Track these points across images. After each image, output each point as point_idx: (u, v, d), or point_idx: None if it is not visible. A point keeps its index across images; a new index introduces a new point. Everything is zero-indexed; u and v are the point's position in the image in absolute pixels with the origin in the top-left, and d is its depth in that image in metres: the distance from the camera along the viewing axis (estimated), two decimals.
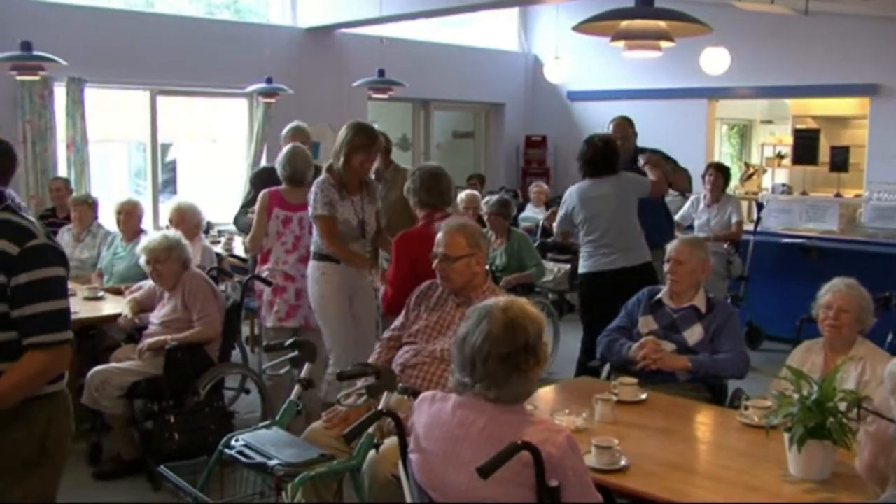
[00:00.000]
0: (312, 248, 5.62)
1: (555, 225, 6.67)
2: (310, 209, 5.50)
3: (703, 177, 8.69)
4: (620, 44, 3.73)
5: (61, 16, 9.03)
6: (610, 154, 6.24)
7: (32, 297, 2.68)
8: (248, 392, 6.44)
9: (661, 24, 3.56)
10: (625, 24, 3.59)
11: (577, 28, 3.78)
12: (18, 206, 4.69)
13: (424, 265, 4.42)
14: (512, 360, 2.62)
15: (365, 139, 5.45)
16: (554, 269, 9.08)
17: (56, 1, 9.29)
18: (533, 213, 11.30)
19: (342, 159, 5.43)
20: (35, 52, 6.00)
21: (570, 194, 6.39)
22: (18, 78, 7.17)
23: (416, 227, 5.02)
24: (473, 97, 13.69)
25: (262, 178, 6.75)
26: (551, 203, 11.94)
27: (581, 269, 6.43)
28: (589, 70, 12.89)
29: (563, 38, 12.00)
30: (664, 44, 3.69)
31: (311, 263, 5.57)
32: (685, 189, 7.45)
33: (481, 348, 2.63)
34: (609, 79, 12.83)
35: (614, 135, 6.71)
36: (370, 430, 3.40)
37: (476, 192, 9.14)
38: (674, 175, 6.70)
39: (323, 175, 5.54)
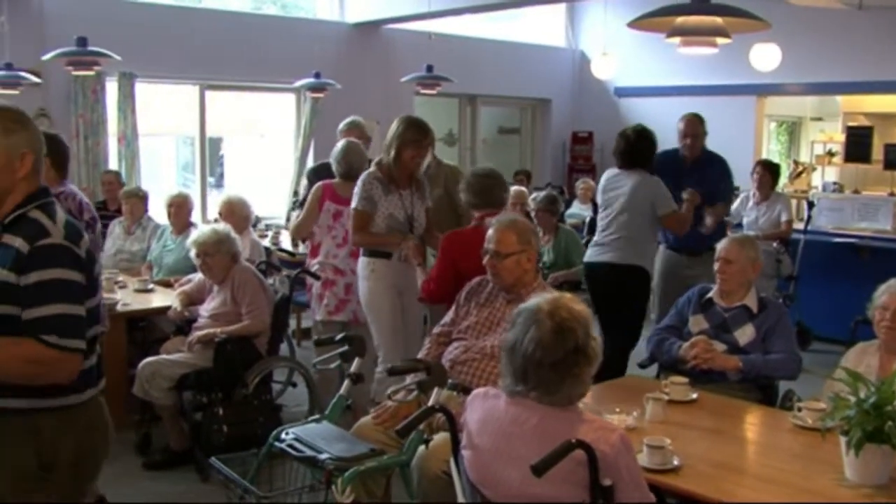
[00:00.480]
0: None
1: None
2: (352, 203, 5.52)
3: (751, 175, 8.59)
4: (675, 40, 3.68)
5: (113, 11, 9.13)
6: (637, 147, 6.12)
7: (38, 298, 2.54)
8: (294, 385, 6.48)
9: (718, 20, 3.52)
10: (680, 20, 3.55)
11: (632, 24, 3.75)
12: (77, 201, 4.73)
13: (468, 266, 4.45)
14: (563, 365, 2.60)
15: (416, 134, 5.41)
16: None
17: None
18: (579, 210, 11.24)
19: (393, 153, 5.39)
20: (90, 48, 6.06)
21: (602, 177, 6.42)
22: (74, 73, 7.27)
23: (468, 227, 5.01)
24: (520, 93, 13.65)
25: (318, 174, 6.74)
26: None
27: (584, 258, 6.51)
28: (636, 66, 12.81)
29: (610, 34, 11.94)
30: (720, 40, 3.65)
31: (361, 260, 5.56)
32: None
33: (532, 357, 2.61)
34: (657, 75, 12.74)
35: (684, 132, 6.54)
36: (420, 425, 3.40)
37: (523, 189, 9.11)
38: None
39: (371, 168, 5.54)
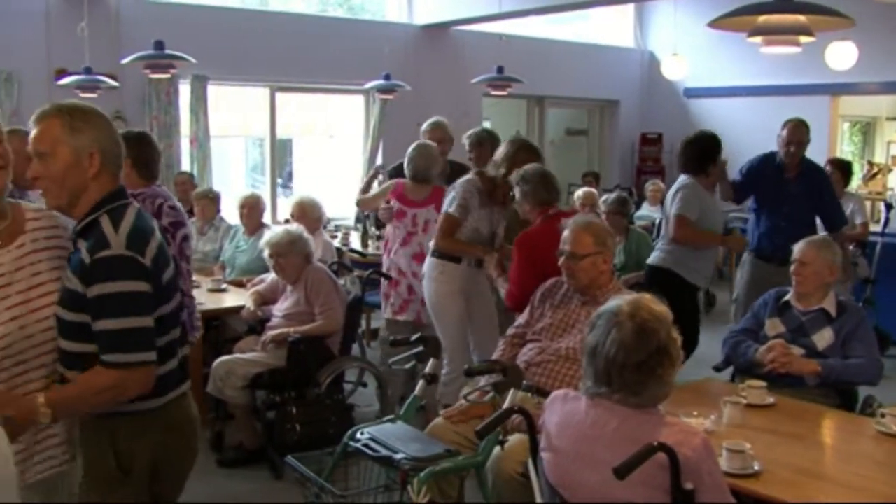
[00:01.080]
0: (432, 246, 5.64)
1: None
2: (444, 204, 5.54)
3: None
4: (756, 39, 3.62)
5: (186, 15, 9.28)
6: (691, 151, 6.13)
7: (101, 312, 2.51)
8: (364, 385, 6.52)
9: (802, 18, 3.46)
10: (763, 18, 3.49)
11: (712, 24, 3.70)
12: (155, 205, 4.67)
13: (547, 261, 4.41)
14: (647, 366, 2.58)
15: (528, 155, 5.36)
16: None
17: (182, 1, 9.56)
18: (648, 212, 11.14)
19: (502, 171, 5.38)
20: (167, 52, 6.17)
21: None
22: (151, 76, 7.40)
23: (536, 225, 4.98)
24: (588, 94, 13.58)
25: (398, 173, 6.79)
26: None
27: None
28: (706, 66, 12.65)
29: (680, 34, 11.82)
30: (803, 38, 3.58)
31: (431, 261, 5.58)
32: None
33: (615, 359, 2.58)
34: (727, 75, 12.57)
35: (788, 138, 6.35)
36: None
37: (593, 190, 9.05)
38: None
39: (472, 176, 5.56)
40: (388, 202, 6.16)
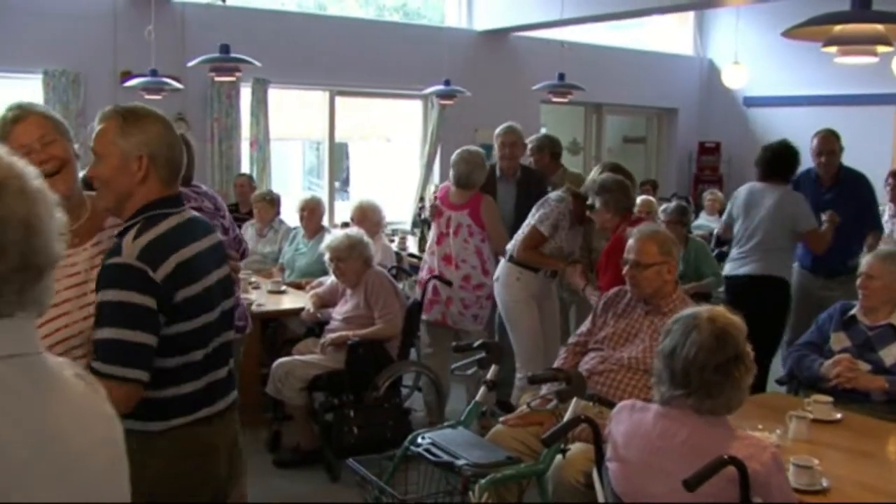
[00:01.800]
0: (509, 251, 5.73)
1: (724, 216, 6.64)
2: (533, 217, 5.68)
3: (885, 186, 8.27)
4: (831, 49, 3.57)
5: (248, 19, 9.38)
6: (781, 160, 6.09)
7: (99, 319, 2.39)
8: (420, 390, 6.53)
9: (879, 27, 3.40)
10: (839, 28, 3.44)
11: (786, 34, 3.64)
12: (209, 200, 4.63)
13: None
14: (725, 369, 2.58)
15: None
16: None
17: (244, 5, 9.67)
18: (707, 222, 11.03)
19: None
20: (232, 55, 6.24)
21: (740, 190, 6.38)
22: (217, 79, 7.50)
23: (622, 231, 5.05)
24: (646, 102, 13.48)
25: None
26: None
27: (724, 272, 6.47)
28: (767, 75, 12.49)
29: (741, 42, 11.69)
30: (881, 48, 3.52)
31: (507, 266, 5.71)
32: None
33: (695, 360, 2.58)
34: (788, 84, 12.40)
35: (818, 149, 6.32)
36: None
37: (651, 198, 8.99)
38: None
39: (565, 195, 5.68)
40: (433, 201, 6.28)
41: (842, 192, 6.30)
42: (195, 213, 2.69)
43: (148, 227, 2.47)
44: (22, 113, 2.69)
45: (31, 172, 1.39)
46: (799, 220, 5.98)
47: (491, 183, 6.33)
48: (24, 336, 1.38)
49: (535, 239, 5.61)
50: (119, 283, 2.37)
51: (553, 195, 5.72)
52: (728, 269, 6.35)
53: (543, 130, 12.58)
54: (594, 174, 5.61)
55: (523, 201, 6.17)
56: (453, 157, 6.18)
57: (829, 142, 6.33)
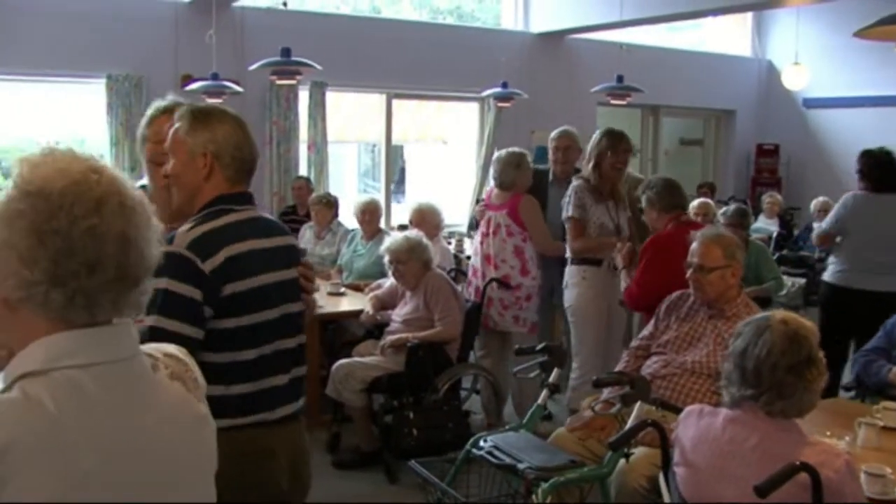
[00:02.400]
0: (570, 254, 5.73)
1: (822, 224, 6.44)
2: (563, 213, 5.68)
3: None
4: None
5: (306, 23, 9.46)
6: (890, 167, 6.01)
7: (148, 304, 2.36)
8: (478, 392, 6.53)
9: None
10: None
11: (859, 34, 3.59)
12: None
13: (674, 267, 4.39)
14: (798, 370, 2.56)
15: (611, 140, 5.59)
16: (788, 283, 8.72)
17: (302, 9, 9.75)
18: (765, 225, 10.91)
19: (592, 163, 5.58)
20: (293, 58, 6.30)
21: (847, 199, 6.16)
22: (278, 82, 7.58)
23: (667, 230, 4.99)
24: (703, 103, 13.35)
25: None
26: (785, 215, 11.51)
27: (826, 277, 6.25)
28: (827, 75, 12.30)
29: (802, 43, 11.53)
30: None
31: (570, 268, 5.73)
32: None
33: (767, 359, 2.56)
34: (850, 85, 12.20)
35: None
36: None
37: (709, 201, 8.88)
38: None
39: (574, 181, 5.69)
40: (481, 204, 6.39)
41: None
42: (265, 215, 2.70)
43: (206, 220, 2.50)
44: (171, 106, 2.80)
45: (129, 185, 1.43)
46: None
47: (543, 187, 6.32)
48: (116, 342, 1.41)
49: (574, 226, 5.58)
50: (166, 270, 2.30)
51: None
52: (843, 279, 6.10)
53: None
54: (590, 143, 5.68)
55: None
56: (493, 158, 6.27)
57: None
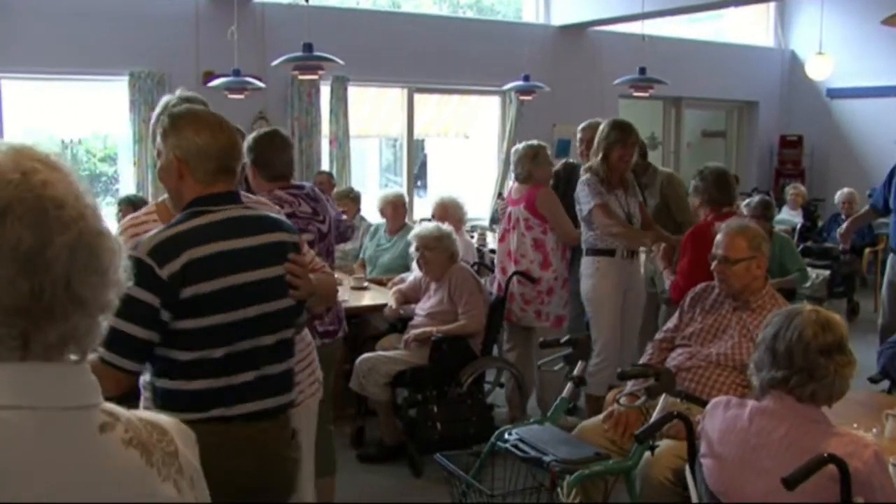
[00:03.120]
0: (584, 245, 5.70)
1: None
2: (582, 208, 5.65)
3: None
4: None
5: (327, 18, 9.45)
6: None
7: None
8: (502, 386, 6.52)
9: None
10: None
11: (886, 21, 3.56)
12: (309, 203, 4.57)
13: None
14: (830, 353, 2.55)
15: (620, 133, 5.59)
16: (812, 274, 8.67)
17: (323, 4, 9.76)
18: (789, 216, 10.85)
19: (600, 155, 5.58)
20: (315, 54, 6.31)
21: None
22: (300, 77, 7.58)
23: (708, 220, 5.02)
24: (726, 95, 13.29)
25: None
26: (809, 206, 11.44)
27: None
28: (852, 65, 12.19)
29: (826, 32, 11.44)
30: None
31: (584, 260, 5.71)
32: None
33: (800, 340, 2.57)
34: (875, 74, 12.09)
35: None
36: None
37: None
38: None
39: (585, 176, 5.68)
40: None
41: None
42: (246, 212, 2.66)
43: (177, 223, 2.53)
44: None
45: (79, 195, 1.21)
46: None
47: (571, 180, 6.30)
48: (39, 385, 1.18)
49: (602, 210, 5.53)
50: (132, 276, 2.34)
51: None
52: None
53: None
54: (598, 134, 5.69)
55: None
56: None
57: None
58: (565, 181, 6.28)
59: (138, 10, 8.62)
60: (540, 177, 6.05)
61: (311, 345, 3.50)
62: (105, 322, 1.27)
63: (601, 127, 5.69)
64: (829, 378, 2.57)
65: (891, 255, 6.34)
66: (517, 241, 6.02)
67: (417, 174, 11.91)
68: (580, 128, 6.45)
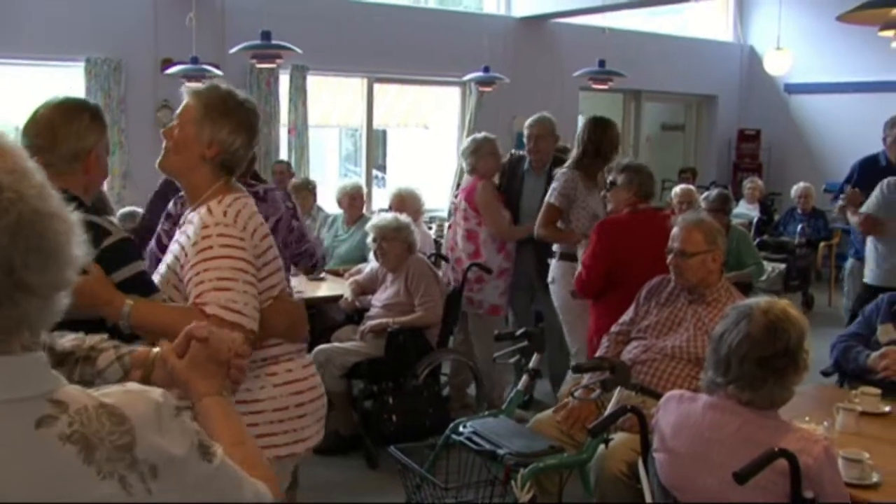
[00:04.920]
0: (557, 249, 5.73)
1: (861, 210, 5.98)
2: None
3: None
4: (889, 33, 3.49)
5: (287, 6, 9.33)
6: None
7: None
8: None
9: None
10: None
11: (841, 17, 3.57)
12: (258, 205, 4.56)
13: (625, 253, 4.56)
14: (770, 364, 2.54)
15: (597, 126, 5.63)
16: (768, 268, 8.74)
17: None
18: (746, 210, 10.93)
19: (580, 150, 5.58)
20: (273, 42, 6.25)
21: (884, 190, 5.87)
22: (258, 66, 7.52)
23: (622, 214, 4.99)
24: (685, 89, 13.36)
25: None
26: (766, 200, 11.55)
27: (866, 278, 5.98)
28: (810, 61, 12.31)
29: (784, 28, 11.53)
30: None
31: (554, 264, 5.73)
32: None
33: (738, 349, 2.55)
34: (831, 70, 12.23)
35: (883, 133, 6.27)
36: None
37: (691, 187, 8.89)
38: None
39: (568, 172, 5.66)
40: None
41: None
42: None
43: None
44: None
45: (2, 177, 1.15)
46: None
47: (518, 174, 6.31)
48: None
49: (550, 214, 5.56)
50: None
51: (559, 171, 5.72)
52: (884, 278, 5.76)
53: (581, 118, 12.53)
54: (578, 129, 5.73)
55: None
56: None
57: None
58: (510, 174, 6.30)
59: None
60: (482, 169, 6.14)
61: None
62: (65, 299, 1.21)
63: (581, 125, 5.71)
64: (765, 389, 2.57)
65: (850, 260, 6.38)
66: (456, 231, 6.20)
67: (378, 165, 11.88)
68: (527, 122, 6.38)
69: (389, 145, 12.90)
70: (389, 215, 5.76)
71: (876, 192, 5.87)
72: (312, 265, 4.57)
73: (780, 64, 11.36)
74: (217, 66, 7.78)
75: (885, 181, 5.87)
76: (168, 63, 8.12)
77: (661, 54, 12.50)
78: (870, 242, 5.93)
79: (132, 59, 8.54)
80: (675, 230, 4.00)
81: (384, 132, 12.33)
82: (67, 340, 1.89)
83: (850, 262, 6.66)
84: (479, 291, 6.07)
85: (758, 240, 9.49)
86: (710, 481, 2.57)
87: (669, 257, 3.98)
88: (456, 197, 6.45)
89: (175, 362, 1.71)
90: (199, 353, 1.71)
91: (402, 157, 12.71)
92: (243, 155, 2.65)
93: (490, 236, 6.08)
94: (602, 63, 8.56)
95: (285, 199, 4.14)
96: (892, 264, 5.77)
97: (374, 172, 11.23)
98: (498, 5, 11.38)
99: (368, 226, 5.79)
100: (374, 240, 5.62)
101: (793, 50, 11.46)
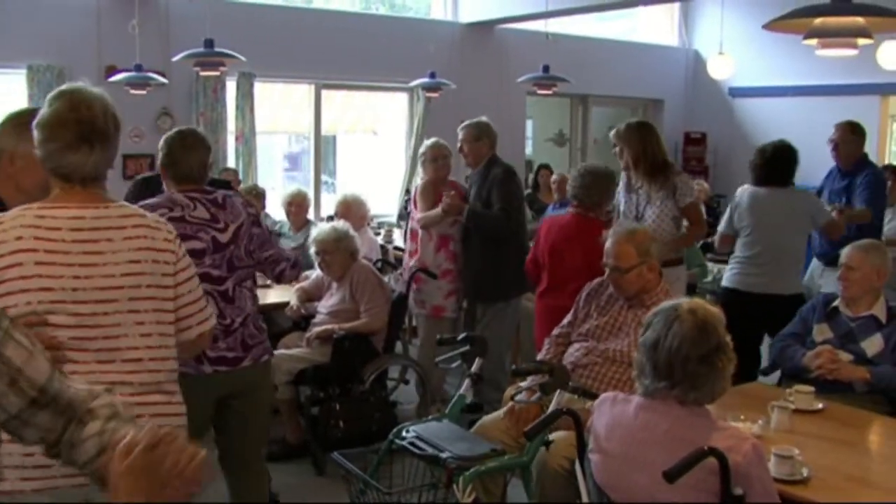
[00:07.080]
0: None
1: (719, 228, 6.15)
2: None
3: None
4: (812, 42, 3.58)
5: (233, 13, 9.30)
6: (774, 163, 5.74)
7: None
8: (407, 383, 6.53)
9: (860, 20, 3.40)
10: (819, 21, 3.43)
11: (767, 26, 3.65)
12: (207, 208, 4.44)
13: (559, 255, 4.87)
14: (708, 360, 2.61)
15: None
16: (713, 269, 8.86)
17: None
18: None
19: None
20: (217, 49, 6.21)
21: (741, 195, 5.92)
22: (202, 73, 7.46)
23: (565, 215, 5.13)
24: (632, 93, 13.48)
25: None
26: (712, 202, 11.68)
27: (724, 282, 6.00)
28: (752, 65, 12.49)
29: (727, 33, 11.70)
30: (861, 41, 3.53)
31: None
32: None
33: (678, 352, 2.61)
34: (774, 74, 12.41)
35: (830, 139, 6.39)
36: None
37: (565, 174, 8.98)
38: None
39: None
40: None
41: (848, 183, 6.36)
42: None
43: None
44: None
45: None
46: (817, 217, 5.73)
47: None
48: None
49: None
50: None
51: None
52: (739, 282, 5.80)
53: (530, 123, 12.61)
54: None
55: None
56: None
57: (839, 130, 6.51)
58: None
59: (37, 0, 8.39)
60: (428, 174, 6.27)
61: None
62: None
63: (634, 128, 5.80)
64: (710, 384, 2.63)
65: (814, 260, 6.50)
66: (406, 231, 6.37)
67: (328, 170, 11.85)
68: (461, 127, 6.33)
69: (339, 151, 12.87)
70: (327, 227, 5.75)
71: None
72: (279, 272, 4.38)
73: (723, 68, 11.53)
74: (163, 74, 7.74)
75: (750, 193, 5.87)
76: (112, 70, 8.05)
77: (608, 59, 12.60)
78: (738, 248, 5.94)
79: (76, 67, 8.43)
80: (607, 245, 4.05)
81: (334, 138, 12.30)
82: (79, 390, 1.79)
83: None
84: (420, 291, 6.16)
85: (702, 242, 9.58)
86: (641, 480, 2.62)
87: (606, 272, 4.04)
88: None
89: (114, 464, 1.53)
90: (139, 461, 1.51)
91: (351, 163, 12.68)
92: None
93: (429, 234, 6.13)
94: (546, 68, 8.62)
95: (246, 206, 4.06)
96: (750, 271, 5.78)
97: (324, 178, 11.20)
98: (445, 11, 11.41)
99: (309, 240, 5.80)
100: (317, 254, 5.63)
101: (735, 54, 11.63)
